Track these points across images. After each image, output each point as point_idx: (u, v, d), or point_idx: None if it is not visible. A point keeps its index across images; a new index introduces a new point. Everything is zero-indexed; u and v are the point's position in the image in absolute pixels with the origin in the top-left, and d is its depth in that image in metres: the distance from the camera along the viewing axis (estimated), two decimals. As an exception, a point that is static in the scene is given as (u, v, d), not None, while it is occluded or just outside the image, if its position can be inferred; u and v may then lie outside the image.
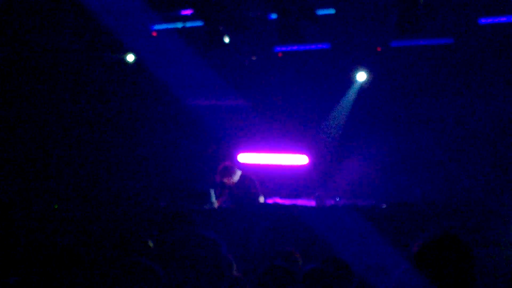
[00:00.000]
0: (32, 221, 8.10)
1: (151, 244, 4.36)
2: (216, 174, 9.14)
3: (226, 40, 9.82)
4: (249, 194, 8.96)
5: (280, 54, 10.98)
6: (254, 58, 11.08)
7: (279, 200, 9.49)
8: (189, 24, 10.08)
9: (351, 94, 11.16)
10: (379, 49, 10.17)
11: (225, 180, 9.07)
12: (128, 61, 11.16)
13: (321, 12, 9.29)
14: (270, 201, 9.24)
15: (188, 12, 9.89)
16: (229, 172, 9.07)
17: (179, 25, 10.18)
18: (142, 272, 3.18)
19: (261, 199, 9.04)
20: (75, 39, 10.56)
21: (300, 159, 11.59)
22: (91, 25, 10.11)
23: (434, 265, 2.95)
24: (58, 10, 9.91)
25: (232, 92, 11.41)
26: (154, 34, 10.49)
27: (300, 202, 9.53)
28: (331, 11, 9.39)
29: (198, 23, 9.81)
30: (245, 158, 11.59)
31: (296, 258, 5.19)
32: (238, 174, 9.10)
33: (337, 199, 9.38)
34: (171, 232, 4.22)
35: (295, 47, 10.63)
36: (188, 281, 3.20)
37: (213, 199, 8.84)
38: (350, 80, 10.94)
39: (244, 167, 9.50)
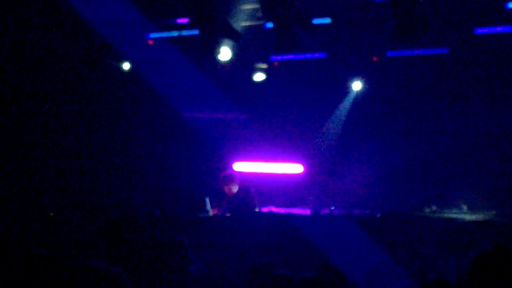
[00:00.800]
0: (25, 225, 8.07)
1: None
2: (219, 182, 9.18)
3: (228, 56, 9.85)
4: (246, 204, 8.96)
5: (276, 63, 10.97)
6: (255, 66, 11.02)
7: (274, 209, 9.46)
8: (185, 33, 10.08)
9: (347, 103, 11.16)
10: (375, 58, 10.17)
11: (225, 188, 9.10)
12: (124, 69, 11.14)
13: (317, 21, 9.30)
14: (265, 209, 9.22)
15: (184, 20, 9.90)
16: (229, 180, 9.10)
17: (175, 33, 10.18)
18: (105, 277, 3.23)
19: (257, 209, 9.03)
20: (71, 48, 10.54)
21: (295, 168, 11.58)
22: (87, 34, 10.09)
23: (492, 276, 2.93)
24: (54, 18, 9.91)
25: (227, 101, 11.39)
26: (150, 42, 10.49)
27: (295, 211, 9.52)
28: (328, 20, 9.41)
29: (194, 32, 9.81)
30: (241, 166, 11.57)
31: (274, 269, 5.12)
32: (238, 184, 9.13)
33: (332, 208, 9.35)
34: (146, 236, 4.32)
35: (291, 56, 10.63)
36: (153, 278, 3.41)
37: (208, 207, 8.82)
38: (346, 90, 10.94)
39: (241, 175, 9.49)
